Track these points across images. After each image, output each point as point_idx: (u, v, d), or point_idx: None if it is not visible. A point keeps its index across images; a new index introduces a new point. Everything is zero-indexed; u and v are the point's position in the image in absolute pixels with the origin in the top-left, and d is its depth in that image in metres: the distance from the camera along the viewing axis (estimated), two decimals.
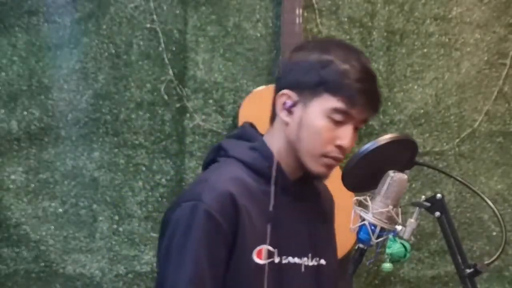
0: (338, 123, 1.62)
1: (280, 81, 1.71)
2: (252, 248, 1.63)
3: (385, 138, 1.60)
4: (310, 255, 1.71)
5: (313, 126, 1.63)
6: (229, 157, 1.70)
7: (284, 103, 1.67)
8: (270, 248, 1.64)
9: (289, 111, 1.66)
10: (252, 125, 1.79)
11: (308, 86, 1.64)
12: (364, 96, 1.61)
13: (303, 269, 1.70)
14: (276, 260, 1.65)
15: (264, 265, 1.62)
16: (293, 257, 1.68)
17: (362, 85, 1.61)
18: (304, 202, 1.72)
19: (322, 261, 1.73)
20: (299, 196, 1.70)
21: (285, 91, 1.67)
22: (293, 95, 1.66)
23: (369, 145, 1.59)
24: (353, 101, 1.60)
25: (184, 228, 1.59)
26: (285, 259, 1.68)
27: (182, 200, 1.64)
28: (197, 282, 1.58)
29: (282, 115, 1.68)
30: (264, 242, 1.63)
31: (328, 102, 1.61)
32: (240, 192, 1.63)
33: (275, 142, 1.69)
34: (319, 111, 1.62)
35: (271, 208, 1.63)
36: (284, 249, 1.66)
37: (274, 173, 1.65)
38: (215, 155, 1.74)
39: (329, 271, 1.74)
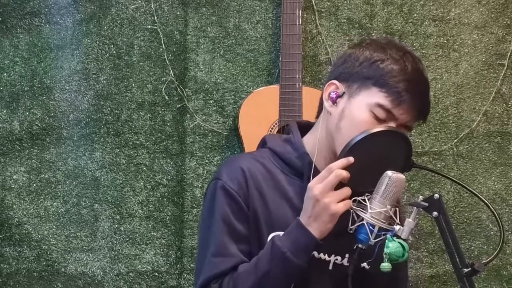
0: (380, 120, 1.61)
1: (332, 72, 1.71)
2: (267, 233, 1.66)
3: (376, 128, 1.59)
4: (347, 255, 1.68)
5: (354, 117, 1.62)
6: (266, 148, 1.76)
7: (330, 93, 1.68)
8: None
9: (334, 101, 1.67)
10: (299, 122, 1.79)
11: (358, 79, 1.64)
12: (410, 98, 1.60)
13: (330, 267, 1.69)
14: None
15: None
16: (319, 252, 1.67)
17: (411, 86, 1.59)
18: None
19: (365, 265, 1.69)
20: None
21: (334, 81, 1.68)
22: (341, 86, 1.66)
23: (360, 134, 1.58)
24: (399, 100, 1.59)
25: (208, 205, 1.70)
26: None
27: (210, 179, 1.74)
28: (220, 254, 1.66)
29: (327, 104, 1.68)
30: (282, 230, 1.64)
31: (374, 96, 1.61)
32: (258, 174, 1.68)
33: (318, 133, 1.70)
34: (363, 103, 1.62)
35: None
36: None
37: (310, 167, 1.67)
38: (260, 148, 1.80)
39: (376, 278, 1.67)
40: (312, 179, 1.62)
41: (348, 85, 1.65)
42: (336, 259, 1.69)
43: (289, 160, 1.71)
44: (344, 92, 1.66)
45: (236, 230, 1.67)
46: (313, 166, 1.68)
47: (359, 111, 1.62)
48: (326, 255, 1.68)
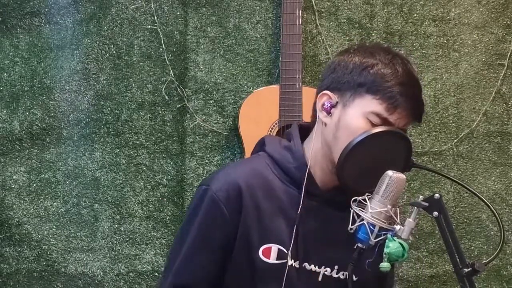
0: (376, 127, 1.60)
1: (322, 82, 1.70)
2: (258, 245, 1.65)
3: (377, 128, 1.59)
4: (336, 267, 1.68)
5: (351, 126, 1.61)
6: (264, 152, 1.73)
7: (324, 104, 1.67)
8: (282, 248, 1.64)
9: (328, 112, 1.66)
10: (301, 125, 1.77)
11: (350, 87, 1.63)
12: (404, 101, 1.60)
13: (320, 278, 1.69)
14: (290, 262, 1.64)
15: (273, 264, 1.63)
16: (310, 264, 1.67)
17: (403, 89, 1.59)
18: (338, 212, 1.66)
19: (353, 277, 1.66)
20: (330, 203, 1.68)
21: (326, 91, 1.67)
22: (334, 96, 1.65)
23: (360, 135, 1.58)
24: (394, 104, 1.59)
25: (192, 209, 1.69)
26: (299, 264, 1.67)
27: (203, 182, 1.71)
28: (188, 262, 1.65)
29: (321, 115, 1.67)
30: (275, 242, 1.64)
31: (369, 104, 1.61)
32: (256, 186, 1.66)
33: (313, 144, 1.69)
34: (358, 111, 1.61)
35: (298, 211, 1.64)
36: (301, 253, 1.65)
37: (306, 177, 1.66)
38: (258, 149, 1.77)
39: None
40: (309, 189, 1.63)
41: (340, 94, 1.65)
42: (326, 271, 1.69)
43: (288, 170, 1.69)
44: (337, 102, 1.65)
45: (212, 240, 1.66)
46: (310, 175, 1.67)
47: (355, 119, 1.61)
48: (317, 266, 1.68)
